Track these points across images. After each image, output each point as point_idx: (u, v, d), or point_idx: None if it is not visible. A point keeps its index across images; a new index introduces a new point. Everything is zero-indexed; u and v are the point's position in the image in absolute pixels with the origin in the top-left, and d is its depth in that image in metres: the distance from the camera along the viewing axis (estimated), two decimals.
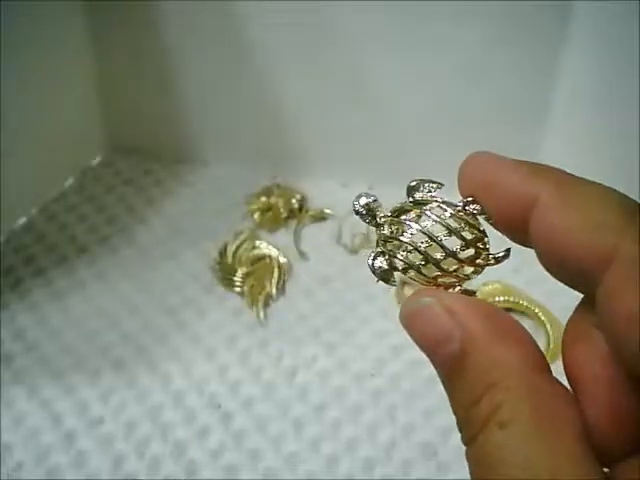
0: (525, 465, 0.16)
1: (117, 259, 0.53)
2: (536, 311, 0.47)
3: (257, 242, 0.53)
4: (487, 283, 0.48)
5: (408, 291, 0.49)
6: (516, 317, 0.48)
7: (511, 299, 0.47)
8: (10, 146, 0.49)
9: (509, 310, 0.48)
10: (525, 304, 0.47)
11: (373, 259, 0.20)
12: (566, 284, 0.19)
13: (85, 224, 0.55)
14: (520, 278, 0.47)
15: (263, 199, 0.56)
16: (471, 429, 0.17)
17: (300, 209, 0.55)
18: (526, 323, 0.47)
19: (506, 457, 0.16)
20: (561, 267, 0.18)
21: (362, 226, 0.53)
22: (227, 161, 0.58)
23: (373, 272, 0.20)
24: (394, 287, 0.49)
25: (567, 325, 0.20)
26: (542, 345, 0.46)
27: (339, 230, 0.53)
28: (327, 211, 0.55)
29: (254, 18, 0.51)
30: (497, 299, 0.48)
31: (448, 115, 0.53)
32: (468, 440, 0.18)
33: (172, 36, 0.54)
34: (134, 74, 0.57)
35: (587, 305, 0.19)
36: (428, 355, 0.19)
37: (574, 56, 0.47)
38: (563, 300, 0.47)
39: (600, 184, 0.18)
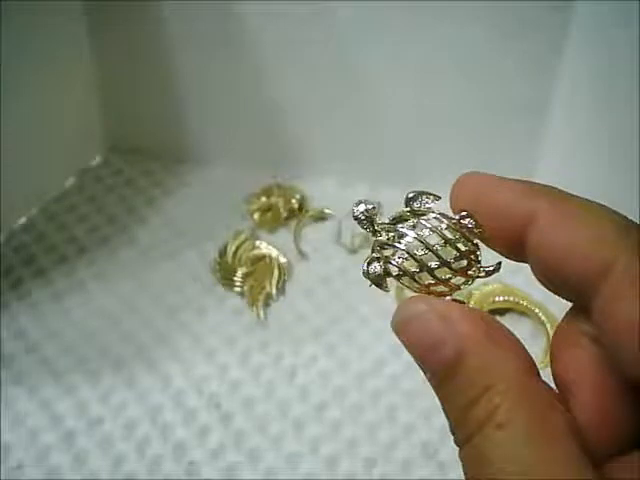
0: (522, 463, 0.17)
1: (117, 259, 0.53)
2: (536, 311, 0.47)
3: (257, 242, 0.53)
4: (487, 283, 0.48)
5: (408, 293, 0.49)
6: (516, 317, 0.48)
7: (511, 299, 0.47)
8: (10, 146, 0.49)
9: (509, 310, 0.48)
10: (525, 304, 0.47)
11: (368, 264, 0.21)
12: (558, 295, 0.20)
13: (85, 224, 0.55)
14: (520, 278, 0.47)
15: (263, 199, 0.56)
16: (467, 430, 0.18)
17: (300, 209, 0.55)
18: (526, 323, 0.47)
19: (504, 456, 0.17)
20: (557, 279, 0.19)
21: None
22: (227, 161, 0.58)
23: (367, 277, 0.21)
24: (394, 289, 0.49)
25: (555, 333, 0.20)
26: (542, 345, 0.46)
27: (339, 230, 0.53)
28: (327, 211, 0.55)
29: (253, 18, 0.51)
30: (497, 299, 0.48)
31: (448, 115, 0.53)
32: (463, 441, 0.18)
33: (172, 36, 0.54)
34: (134, 74, 0.57)
35: (576, 314, 0.20)
36: (420, 360, 0.19)
37: (574, 56, 0.47)
38: (563, 300, 0.47)
39: (593, 201, 0.19)
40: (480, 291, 0.47)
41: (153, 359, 0.46)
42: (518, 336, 0.21)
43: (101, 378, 0.45)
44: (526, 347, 0.20)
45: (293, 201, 0.55)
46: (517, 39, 0.48)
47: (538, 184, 0.20)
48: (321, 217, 0.55)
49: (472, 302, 0.47)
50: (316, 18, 0.50)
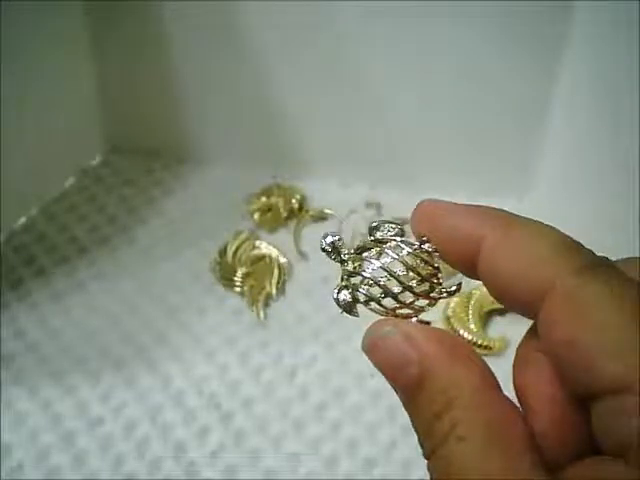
0: (481, 473, 0.18)
1: (117, 259, 0.53)
2: None
3: (257, 242, 0.53)
4: None
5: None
6: (516, 317, 0.48)
7: None
8: (10, 146, 0.49)
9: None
10: None
11: (338, 292, 0.22)
12: (516, 313, 0.21)
13: (85, 224, 0.55)
14: None
15: (263, 199, 0.56)
16: (432, 442, 0.19)
17: (300, 209, 0.55)
18: (526, 323, 0.47)
19: (465, 466, 0.18)
20: (506, 300, 0.20)
21: (362, 226, 0.53)
22: (227, 161, 0.58)
23: (337, 304, 0.22)
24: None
25: (517, 350, 0.21)
26: None
27: (339, 230, 0.53)
28: (327, 211, 0.55)
29: (254, 18, 0.51)
30: None
31: (448, 116, 0.53)
32: (430, 453, 0.19)
33: (172, 36, 0.54)
34: (134, 74, 0.57)
35: (534, 331, 0.20)
36: (389, 379, 0.20)
37: (574, 56, 0.47)
38: None
39: (540, 223, 0.20)
40: (480, 291, 0.47)
41: (153, 359, 0.46)
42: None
43: (101, 378, 0.45)
44: None
45: (293, 201, 0.55)
46: (517, 40, 0.48)
47: (490, 208, 0.21)
48: (321, 217, 0.55)
49: (473, 302, 0.47)
50: (316, 19, 0.50)
